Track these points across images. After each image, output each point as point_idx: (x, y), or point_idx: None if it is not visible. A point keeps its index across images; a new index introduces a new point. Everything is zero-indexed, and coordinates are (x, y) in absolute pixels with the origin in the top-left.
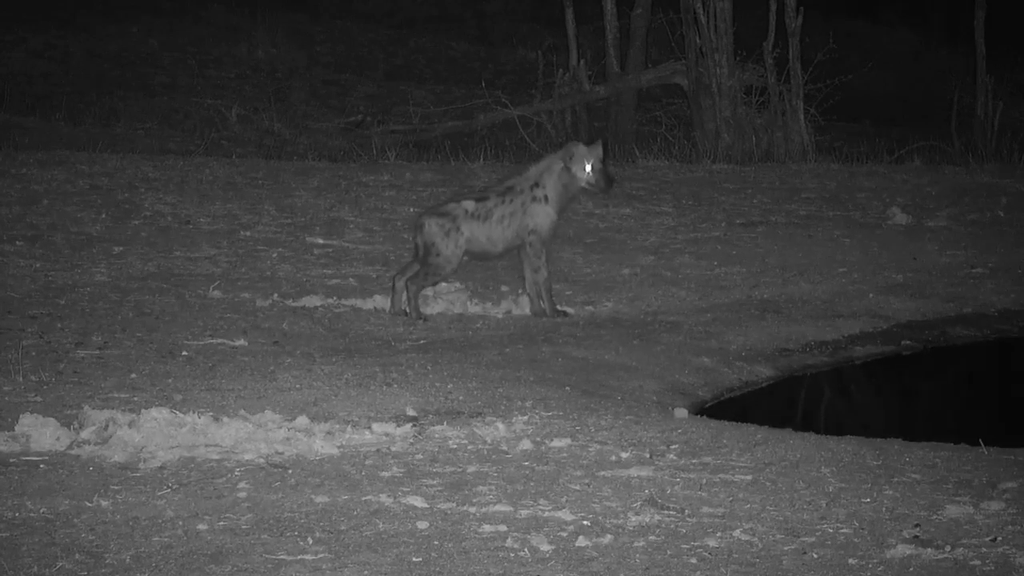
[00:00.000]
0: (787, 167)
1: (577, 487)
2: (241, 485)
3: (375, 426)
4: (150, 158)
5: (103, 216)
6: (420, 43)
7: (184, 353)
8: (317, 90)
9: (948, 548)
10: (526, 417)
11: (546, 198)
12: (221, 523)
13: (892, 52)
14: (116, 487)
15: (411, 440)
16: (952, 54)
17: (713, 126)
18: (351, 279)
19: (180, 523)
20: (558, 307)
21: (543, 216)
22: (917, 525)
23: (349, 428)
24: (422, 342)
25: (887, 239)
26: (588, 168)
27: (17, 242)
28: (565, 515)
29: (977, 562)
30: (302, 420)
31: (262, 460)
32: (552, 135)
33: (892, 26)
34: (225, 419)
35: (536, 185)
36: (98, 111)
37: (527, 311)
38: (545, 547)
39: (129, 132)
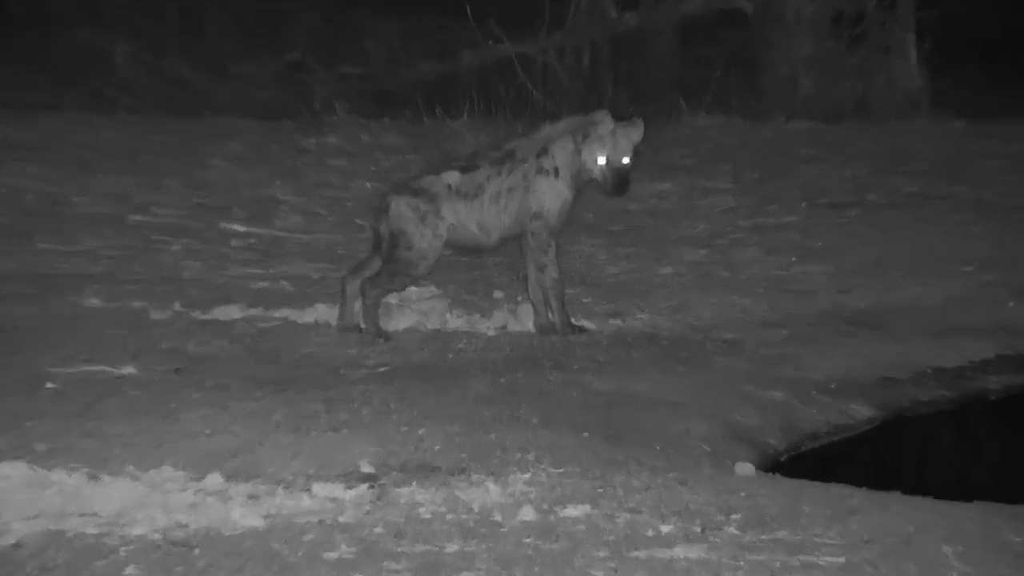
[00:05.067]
0: (890, 126)
1: (600, 573)
2: (129, 571)
3: (317, 487)
4: (5, 113)
5: None
6: None
7: (50, 385)
8: (242, 19)
9: None
10: (528, 475)
11: (556, 171)
12: None
13: None
14: None
15: (367, 507)
16: None
17: (787, 69)
18: (284, 282)
19: None
20: (572, 320)
21: (552, 194)
22: None
23: (280, 490)
24: (383, 369)
25: None
26: (602, 160)
27: None
28: None
29: None
30: (214, 479)
31: (158, 535)
32: (564, 81)
33: None
34: (106, 477)
35: (545, 152)
36: None
37: (530, 326)
38: None
39: None
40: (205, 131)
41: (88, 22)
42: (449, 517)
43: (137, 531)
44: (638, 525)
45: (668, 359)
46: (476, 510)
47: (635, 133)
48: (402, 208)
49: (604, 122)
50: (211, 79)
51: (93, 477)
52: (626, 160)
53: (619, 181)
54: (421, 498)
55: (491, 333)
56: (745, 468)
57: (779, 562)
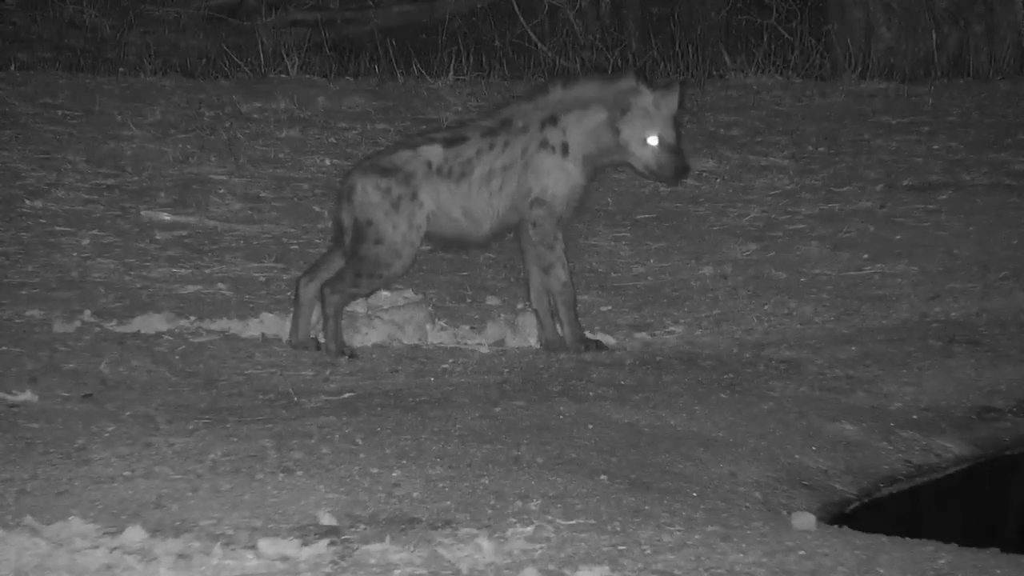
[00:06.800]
0: (993, 86)
1: None
2: None
3: (264, 544)
4: None
5: None
6: None
7: None
8: None
9: None
10: (530, 529)
11: (565, 148)
12: None
13: None
14: None
15: (327, 569)
16: None
17: (862, 15)
18: (221, 285)
19: None
20: (587, 334)
21: (557, 175)
22: None
23: (218, 548)
24: (347, 396)
25: None
26: (653, 139)
27: None
28: None
29: None
30: (135, 533)
31: None
32: (577, 31)
33: None
34: None
35: (552, 121)
36: None
37: (533, 341)
38: None
39: None
40: (117, 92)
41: None
42: None
43: None
44: None
45: (709, 384)
46: (465, 573)
47: (671, 100)
48: (369, 191)
49: (642, 91)
50: (123, 25)
51: None
52: (671, 136)
53: (680, 163)
54: (396, 558)
55: (483, 350)
56: (805, 520)
57: None
